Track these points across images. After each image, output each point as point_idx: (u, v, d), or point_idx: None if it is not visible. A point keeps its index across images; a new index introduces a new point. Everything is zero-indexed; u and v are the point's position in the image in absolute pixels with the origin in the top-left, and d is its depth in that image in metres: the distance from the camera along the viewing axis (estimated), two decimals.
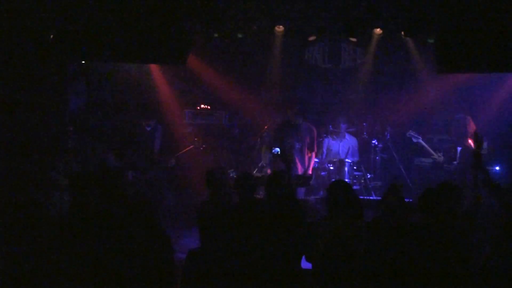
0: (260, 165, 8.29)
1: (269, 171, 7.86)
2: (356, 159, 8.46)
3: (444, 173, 7.32)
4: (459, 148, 7.18)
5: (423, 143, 7.66)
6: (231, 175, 7.19)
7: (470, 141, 6.93)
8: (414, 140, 7.68)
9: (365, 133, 8.70)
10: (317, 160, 8.35)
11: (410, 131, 7.75)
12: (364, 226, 4.17)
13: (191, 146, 7.47)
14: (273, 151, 7.41)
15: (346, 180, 7.89)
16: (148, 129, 7.76)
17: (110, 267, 3.96)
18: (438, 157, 7.50)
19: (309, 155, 7.84)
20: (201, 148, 7.50)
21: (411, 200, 6.49)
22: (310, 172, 7.84)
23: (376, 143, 8.59)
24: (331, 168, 8.24)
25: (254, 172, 8.10)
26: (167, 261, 4.17)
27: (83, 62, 7.95)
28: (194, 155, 8.33)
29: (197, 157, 8.36)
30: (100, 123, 8.25)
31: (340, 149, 8.48)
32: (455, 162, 7.19)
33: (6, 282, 3.90)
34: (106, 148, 7.62)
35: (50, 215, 5.28)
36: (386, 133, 8.56)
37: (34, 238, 4.02)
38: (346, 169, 8.18)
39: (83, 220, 4.15)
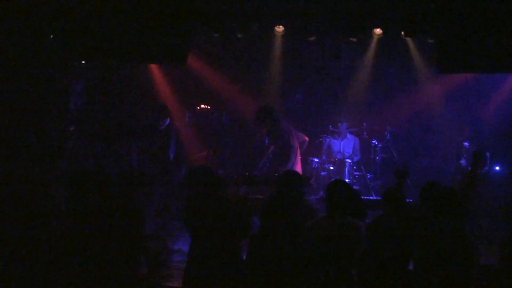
0: (260, 164, 8.28)
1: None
2: (357, 158, 8.48)
3: (445, 173, 7.39)
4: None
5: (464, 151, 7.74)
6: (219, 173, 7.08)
7: None
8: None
9: (365, 133, 8.70)
10: (317, 160, 8.35)
11: (466, 142, 7.75)
12: (363, 226, 4.16)
13: (205, 153, 7.46)
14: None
15: (346, 180, 7.90)
16: (162, 128, 7.58)
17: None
18: (462, 161, 7.67)
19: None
20: (216, 157, 7.39)
21: (411, 200, 6.50)
22: None
23: (376, 143, 8.60)
24: (331, 168, 8.26)
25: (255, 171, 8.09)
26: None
27: (83, 62, 7.94)
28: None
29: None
30: (101, 123, 8.23)
31: (341, 148, 8.48)
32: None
33: (6, 281, 3.90)
34: (128, 149, 7.50)
35: (49, 214, 5.29)
36: (386, 133, 8.57)
37: (34, 237, 4.02)
38: (346, 169, 8.19)
39: (82, 219, 4.14)
